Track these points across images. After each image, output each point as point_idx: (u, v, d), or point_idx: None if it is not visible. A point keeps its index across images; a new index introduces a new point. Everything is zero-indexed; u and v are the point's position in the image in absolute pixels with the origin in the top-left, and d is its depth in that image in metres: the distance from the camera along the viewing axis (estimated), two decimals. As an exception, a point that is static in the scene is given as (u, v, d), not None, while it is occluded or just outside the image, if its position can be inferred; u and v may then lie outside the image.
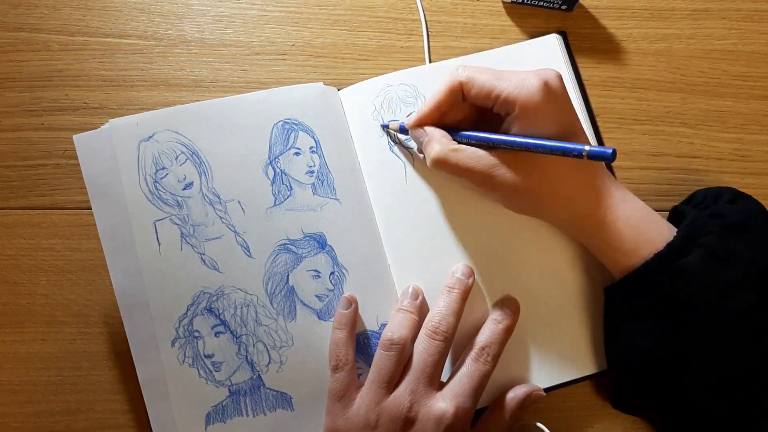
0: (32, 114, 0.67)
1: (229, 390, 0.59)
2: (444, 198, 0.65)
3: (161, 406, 0.59)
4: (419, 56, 0.71)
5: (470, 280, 0.62)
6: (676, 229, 0.58)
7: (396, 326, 0.59)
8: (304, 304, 0.61)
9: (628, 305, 0.58)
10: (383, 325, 0.62)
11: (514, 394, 0.61)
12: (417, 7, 0.72)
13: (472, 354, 0.59)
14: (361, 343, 0.62)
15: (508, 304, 0.62)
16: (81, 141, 0.60)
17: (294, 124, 0.64)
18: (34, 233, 0.65)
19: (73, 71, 0.68)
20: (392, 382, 0.58)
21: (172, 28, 0.70)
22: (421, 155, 0.64)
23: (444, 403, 0.56)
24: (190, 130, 0.62)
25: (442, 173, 0.61)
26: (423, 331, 0.59)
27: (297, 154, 0.64)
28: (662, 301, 0.56)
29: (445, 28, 0.72)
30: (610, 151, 0.51)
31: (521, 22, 0.73)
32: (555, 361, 0.63)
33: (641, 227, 0.58)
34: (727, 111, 0.71)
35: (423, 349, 0.58)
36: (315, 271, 0.62)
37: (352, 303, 0.61)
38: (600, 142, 0.68)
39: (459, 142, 0.60)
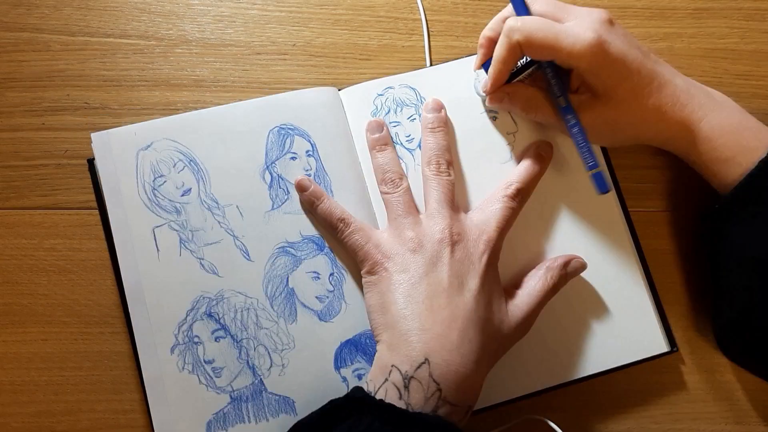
0: (33, 114, 0.67)
1: (231, 396, 0.59)
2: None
3: (162, 412, 0.59)
4: (420, 56, 0.71)
5: (443, 112, 0.64)
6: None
7: (386, 164, 0.63)
8: (305, 306, 0.61)
9: (742, 215, 0.59)
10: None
11: (555, 258, 0.63)
12: (418, 7, 0.72)
13: (501, 190, 0.61)
14: (362, 344, 0.61)
15: (543, 148, 0.64)
16: (99, 138, 0.62)
17: (290, 129, 0.64)
18: (35, 233, 0.65)
19: (74, 71, 0.68)
20: (414, 212, 0.61)
21: (173, 28, 0.70)
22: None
23: (478, 221, 0.59)
24: (188, 138, 0.63)
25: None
26: (426, 172, 0.62)
27: (293, 158, 0.64)
28: None
29: (446, 27, 0.72)
30: (606, 189, 0.59)
31: (523, 21, 0.72)
32: (575, 355, 0.64)
33: (738, 134, 0.59)
34: (729, 110, 0.71)
35: (435, 185, 0.61)
36: (314, 272, 0.62)
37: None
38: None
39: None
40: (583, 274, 0.64)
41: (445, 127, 0.64)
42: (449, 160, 0.62)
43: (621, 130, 0.62)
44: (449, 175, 0.61)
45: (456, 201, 0.61)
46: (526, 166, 0.63)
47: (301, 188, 0.62)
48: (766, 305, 0.58)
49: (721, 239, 0.62)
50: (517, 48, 0.59)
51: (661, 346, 0.64)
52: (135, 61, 0.69)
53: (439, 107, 0.64)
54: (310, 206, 0.62)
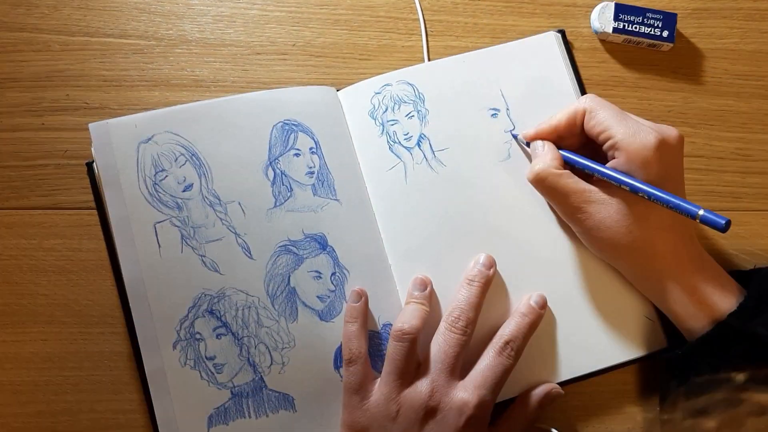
0: (33, 114, 0.67)
1: (231, 392, 0.59)
2: (445, 198, 0.65)
3: (165, 406, 0.58)
4: (420, 56, 0.71)
5: (491, 271, 0.62)
6: (739, 288, 0.60)
7: (407, 317, 0.59)
8: (306, 305, 0.61)
9: (702, 366, 0.59)
10: (385, 326, 0.62)
11: (534, 393, 0.61)
12: (416, 7, 0.72)
13: (496, 347, 0.59)
14: None
15: (536, 299, 0.62)
16: (97, 129, 0.61)
17: (293, 125, 0.64)
18: (35, 233, 0.65)
19: (73, 71, 0.68)
20: (408, 372, 0.58)
21: (173, 28, 0.70)
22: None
23: (465, 393, 0.56)
24: (190, 131, 0.62)
25: (539, 190, 0.62)
26: (442, 324, 0.60)
27: (297, 155, 0.63)
28: (740, 359, 0.57)
29: (446, 27, 0.72)
30: (724, 222, 0.52)
31: (522, 21, 0.73)
32: (574, 352, 0.63)
33: (712, 291, 0.59)
34: (729, 110, 0.71)
35: (443, 341, 0.59)
36: (316, 272, 0.62)
37: (362, 296, 0.61)
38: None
39: (572, 166, 0.62)
40: (583, 274, 0.64)
41: (486, 286, 0.62)
42: (471, 319, 0.59)
43: (610, 240, 0.60)
44: (463, 334, 0.59)
45: (460, 362, 0.59)
46: (516, 320, 0.61)
47: (356, 297, 0.61)
48: None
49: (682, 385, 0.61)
50: (581, 116, 0.61)
51: (661, 342, 0.64)
52: (135, 61, 0.69)
53: (491, 265, 0.62)
54: (346, 315, 0.61)
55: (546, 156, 0.61)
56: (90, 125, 0.61)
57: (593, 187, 0.60)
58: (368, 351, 0.60)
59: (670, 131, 0.59)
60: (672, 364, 0.61)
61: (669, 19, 0.70)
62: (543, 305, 0.62)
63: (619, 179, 0.57)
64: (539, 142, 0.63)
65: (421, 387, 0.57)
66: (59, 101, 0.67)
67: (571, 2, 0.73)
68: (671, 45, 0.71)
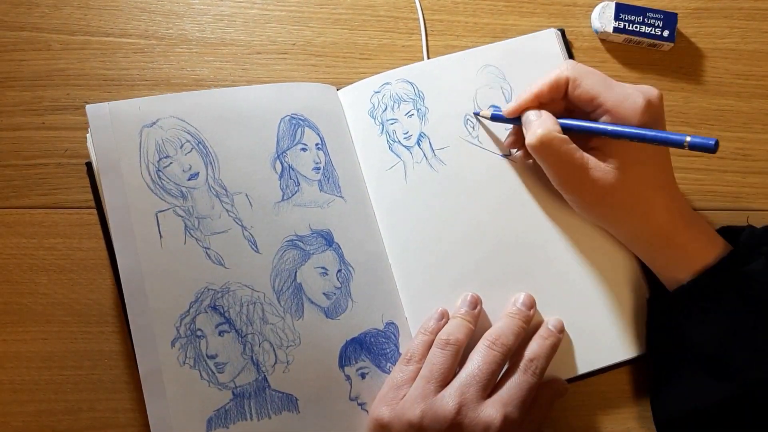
0: (33, 113, 0.67)
1: (233, 392, 0.57)
2: (444, 197, 0.65)
3: (160, 408, 0.56)
4: (420, 55, 0.71)
5: (531, 312, 0.62)
6: (726, 242, 0.60)
7: (452, 329, 0.60)
8: (312, 302, 0.60)
9: (694, 309, 0.59)
10: (388, 324, 0.62)
11: (544, 387, 0.61)
12: (416, 6, 0.72)
13: (521, 365, 0.59)
14: (367, 342, 0.61)
15: (554, 323, 0.62)
16: (96, 111, 0.59)
17: (300, 119, 0.64)
18: (35, 232, 0.65)
19: (74, 70, 0.68)
20: (443, 380, 0.57)
21: (173, 27, 0.70)
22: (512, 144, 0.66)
23: (492, 409, 0.55)
24: (196, 118, 0.61)
25: (539, 156, 0.61)
26: (482, 341, 0.59)
27: (304, 149, 0.63)
28: (732, 302, 0.58)
29: (446, 27, 0.72)
30: (713, 142, 0.52)
31: (523, 20, 0.73)
32: (572, 352, 0.63)
33: (699, 238, 0.60)
34: (729, 110, 0.72)
35: (480, 356, 0.58)
36: (323, 268, 0.61)
37: (444, 317, 0.62)
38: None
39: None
40: (582, 274, 0.64)
41: (527, 322, 0.61)
42: (511, 343, 0.59)
43: (609, 204, 0.60)
44: (502, 353, 0.59)
45: (494, 381, 0.58)
46: (538, 341, 0.61)
47: (438, 316, 0.62)
48: (718, 407, 0.58)
49: (670, 330, 0.61)
50: (564, 84, 0.60)
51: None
52: (135, 60, 0.69)
53: (531, 305, 0.62)
54: (425, 327, 0.62)
55: (547, 121, 0.60)
56: (87, 106, 0.59)
57: (590, 156, 0.59)
58: (372, 350, 0.61)
59: (653, 91, 0.59)
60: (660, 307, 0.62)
61: (669, 19, 0.71)
62: (561, 329, 0.62)
63: (622, 132, 0.57)
64: (532, 111, 0.61)
65: (450, 398, 0.56)
66: (59, 100, 0.67)
67: (571, 2, 0.73)
68: (671, 45, 0.71)
